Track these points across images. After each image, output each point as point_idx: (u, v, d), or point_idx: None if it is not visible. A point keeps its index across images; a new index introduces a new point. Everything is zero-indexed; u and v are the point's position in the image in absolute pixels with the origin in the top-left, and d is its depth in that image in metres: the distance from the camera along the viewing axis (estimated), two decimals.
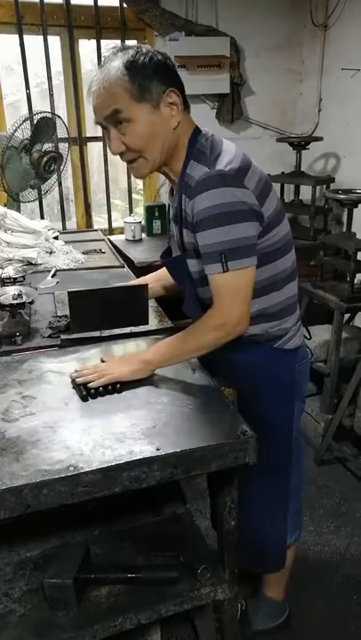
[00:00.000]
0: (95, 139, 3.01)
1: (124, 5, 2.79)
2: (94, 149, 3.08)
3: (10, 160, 2.29)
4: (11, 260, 2.02)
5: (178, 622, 1.40)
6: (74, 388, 1.17)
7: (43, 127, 2.35)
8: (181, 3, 2.90)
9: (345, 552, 1.98)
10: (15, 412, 1.08)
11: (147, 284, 1.43)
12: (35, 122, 2.32)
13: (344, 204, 2.44)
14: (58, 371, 1.26)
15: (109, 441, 0.98)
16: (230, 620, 1.20)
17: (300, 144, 2.99)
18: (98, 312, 1.39)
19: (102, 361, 1.25)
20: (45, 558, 1.14)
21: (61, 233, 2.53)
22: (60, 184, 2.78)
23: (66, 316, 1.50)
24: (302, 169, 3.05)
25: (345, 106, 3.00)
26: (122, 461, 0.92)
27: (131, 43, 2.88)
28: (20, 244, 2.10)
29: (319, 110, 3.22)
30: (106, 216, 3.16)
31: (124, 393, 1.15)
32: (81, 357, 1.33)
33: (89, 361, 1.30)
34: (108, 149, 2.95)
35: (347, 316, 2.66)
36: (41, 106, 2.75)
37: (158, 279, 1.52)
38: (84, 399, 1.12)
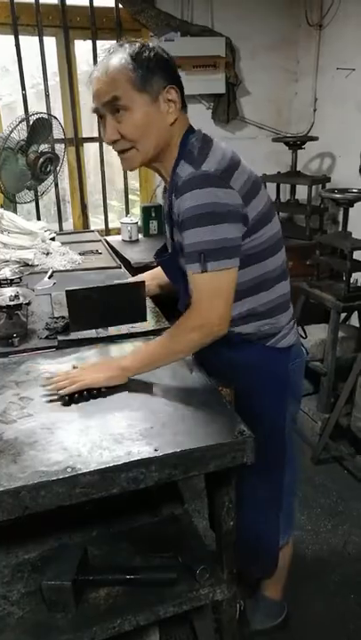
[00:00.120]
0: (91, 139, 3.01)
1: (120, 6, 2.79)
2: (90, 150, 3.07)
3: (6, 161, 2.28)
4: (7, 261, 2.01)
5: (176, 623, 1.40)
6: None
7: (39, 128, 2.35)
8: (177, 3, 2.90)
9: (342, 551, 1.99)
10: (12, 414, 1.08)
11: (144, 281, 1.43)
12: (31, 123, 2.31)
13: (340, 204, 2.45)
14: (55, 372, 1.25)
15: (107, 442, 0.98)
16: (229, 621, 1.20)
17: (295, 144, 2.99)
18: (96, 310, 1.39)
19: (74, 367, 1.23)
20: (43, 560, 1.14)
21: (58, 234, 2.53)
22: (56, 185, 2.78)
23: (63, 317, 1.50)
24: (298, 169, 3.06)
25: (340, 105, 3.01)
26: (120, 462, 0.92)
27: None
28: (17, 245, 2.10)
29: (315, 110, 3.23)
30: (102, 217, 3.15)
31: (120, 393, 1.15)
32: (79, 358, 1.33)
33: (86, 362, 1.30)
34: (104, 151, 2.96)
35: (343, 315, 2.67)
36: (37, 107, 2.75)
37: (153, 277, 1.53)
38: (65, 404, 1.11)
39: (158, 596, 1.06)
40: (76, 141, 2.93)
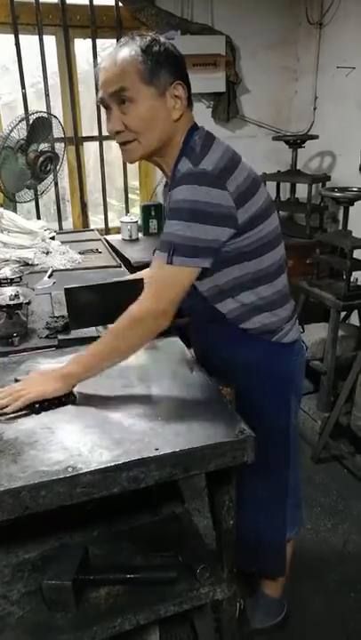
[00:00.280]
0: (91, 138, 3.00)
1: (120, 4, 2.78)
2: (90, 149, 3.07)
3: (6, 160, 2.28)
4: (7, 260, 2.01)
5: (177, 622, 1.40)
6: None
7: (39, 127, 2.35)
8: (177, 1, 2.90)
9: (343, 550, 1.99)
10: (6, 416, 1.07)
11: (142, 279, 1.43)
12: (31, 122, 2.31)
13: (340, 202, 2.45)
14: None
15: (107, 441, 0.98)
16: (229, 620, 1.20)
17: (295, 142, 2.99)
18: (95, 308, 1.40)
19: (16, 380, 1.18)
20: (44, 560, 1.14)
21: (58, 233, 2.53)
22: (56, 184, 2.78)
23: (63, 317, 1.50)
24: (298, 167, 3.05)
25: (340, 104, 3.01)
26: (120, 462, 0.92)
27: None
28: (17, 244, 2.10)
29: (315, 108, 3.23)
30: (102, 216, 3.15)
31: (120, 393, 1.15)
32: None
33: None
34: (104, 149, 2.96)
35: (343, 314, 2.67)
36: (37, 106, 2.74)
37: (150, 276, 1.53)
38: (35, 412, 1.08)
39: (159, 595, 1.06)
40: (76, 140, 2.93)
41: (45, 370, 1.21)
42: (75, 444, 0.97)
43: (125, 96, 1.11)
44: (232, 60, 3.05)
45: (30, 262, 2.05)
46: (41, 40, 2.69)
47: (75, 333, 1.45)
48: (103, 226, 3.14)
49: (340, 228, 2.51)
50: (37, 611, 1.03)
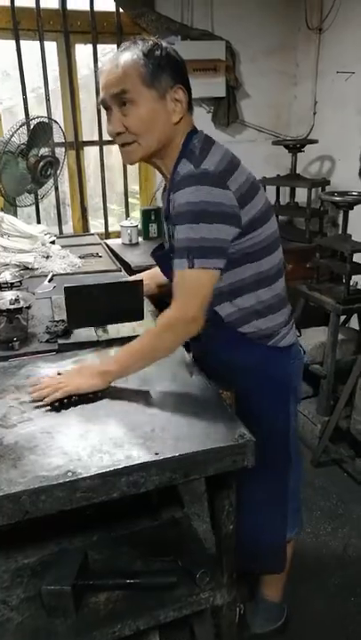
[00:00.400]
0: (92, 143, 3.01)
1: (120, 10, 2.80)
2: (91, 154, 3.08)
3: (6, 165, 2.29)
4: (7, 264, 2.02)
5: (176, 627, 1.40)
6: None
7: (39, 132, 2.36)
8: (177, 7, 2.91)
9: (343, 554, 1.99)
10: (13, 418, 1.08)
11: (142, 280, 1.45)
12: (31, 127, 2.32)
13: (340, 207, 2.45)
14: (55, 376, 1.25)
15: (107, 446, 0.98)
16: (229, 625, 1.20)
17: (295, 147, 3.00)
18: (94, 308, 1.40)
19: (59, 374, 1.22)
20: (43, 565, 1.14)
21: (58, 237, 2.53)
22: (56, 188, 2.78)
23: (63, 321, 1.50)
24: (298, 171, 3.06)
25: (340, 108, 3.02)
26: (120, 466, 0.92)
27: None
28: (17, 248, 2.10)
29: (314, 113, 3.24)
30: (102, 220, 3.16)
31: (120, 397, 1.15)
32: (78, 362, 1.33)
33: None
34: (104, 154, 2.97)
35: (343, 318, 2.67)
36: (37, 110, 2.75)
37: (152, 277, 1.55)
38: (56, 410, 1.10)
39: (158, 600, 1.06)
40: (77, 145, 2.94)
41: (83, 366, 1.25)
42: (74, 449, 0.97)
43: (126, 98, 1.12)
44: (232, 64, 3.06)
45: (30, 266, 2.05)
46: (42, 46, 2.70)
47: (75, 338, 1.45)
48: (103, 230, 3.15)
49: (340, 232, 2.52)
50: (37, 616, 1.03)
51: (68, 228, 3.12)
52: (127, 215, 3.19)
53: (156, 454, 0.95)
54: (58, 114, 2.84)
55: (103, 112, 1.22)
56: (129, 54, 1.12)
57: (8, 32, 2.64)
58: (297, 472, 1.44)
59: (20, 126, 2.34)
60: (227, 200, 1.11)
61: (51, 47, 2.79)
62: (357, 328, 2.72)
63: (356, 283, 2.44)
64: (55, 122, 2.49)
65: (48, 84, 2.77)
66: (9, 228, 2.13)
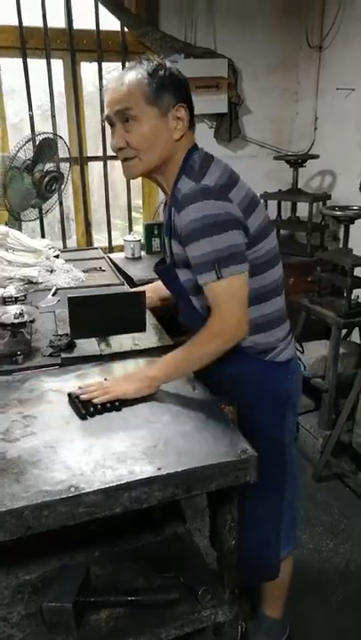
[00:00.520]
0: (96, 158, 3.05)
1: (125, 29, 2.85)
2: (95, 169, 3.12)
3: (12, 180, 2.32)
4: (12, 278, 2.03)
5: None
6: (72, 406, 1.18)
7: (45, 147, 2.39)
8: (180, 26, 2.97)
9: (345, 570, 1.97)
10: (16, 432, 1.09)
11: (144, 291, 1.47)
12: (37, 142, 2.36)
13: (340, 221, 2.47)
14: (59, 390, 1.26)
15: (110, 461, 0.98)
16: None
17: (296, 162, 3.03)
18: (97, 318, 1.42)
19: (105, 379, 1.26)
20: (44, 581, 1.14)
21: (62, 251, 2.56)
22: (60, 203, 2.81)
23: (67, 335, 1.51)
24: (299, 186, 3.09)
25: (340, 124, 3.06)
26: (123, 482, 0.92)
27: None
28: (21, 262, 2.12)
29: (315, 129, 3.28)
30: (105, 234, 3.18)
31: (124, 411, 1.16)
32: (82, 376, 1.34)
33: (89, 380, 1.31)
34: (108, 169, 3.00)
35: (344, 331, 2.67)
36: (43, 126, 2.80)
37: (154, 290, 1.57)
38: (82, 417, 1.13)
39: (160, 617, 1.05)
40: (81, 160, 2.97)
41: (132, 371, 1.32)
42: (77, 464, 0.98)
43: (130, 115, 1.16)
44: (234, 82, 3.11)
45: (34, 280, 2.07)
46: (48, 64, 2.75)
47: (78, 352, 1.46)
48: (107, 244, 3.17)
49: (341, 246, 2.54)
50: (38, 633, 1.03)
51: (72, 243, 3.15)
52: (130, 229, 3.22)
53: (159, 469, 0.95)
54: (63, 129, 2.88)
55: (107, 128, 1.25)
56: (133, 73, 1.16)
57: (16, 50, 2.69)
58: (292, 487, 1.44)
59: (26, 142, 2.38)
60: (232, 210, 1.14)
61: (57, 65, 2.84)
62: (359, 342, 2.72)
63: (358, 296, 2.45)
64: (60, 137, 2.53)
65: (54, 100, 2.82)
66: (14, 243, 2.16)
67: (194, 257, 1.15)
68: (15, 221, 2.45)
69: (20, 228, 2.44)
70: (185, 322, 1.37)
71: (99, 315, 1.41)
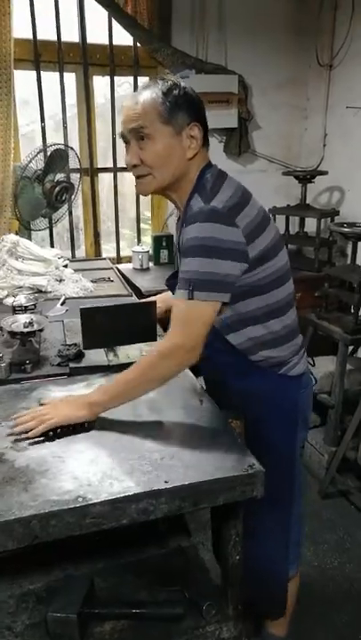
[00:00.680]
0: (106, 169, 3.08)
1: (138, 44, 2.90)
2: (105, 180, 3.15)
3: (23, 190, 2.36)
4: (21, 287, 2.05)
5: None
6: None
7: (56, 158, 2.43)
8: (192, 42, 3.01)
9: (350, 589, 1.95)
10: (24, 441, 1.09)
11: (155, 302, 1.48)
12: (48, 153, 2.39)
13: (348, 237, 2.49)
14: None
15: (117, 472, 0.98)
16: None
17: (305, 177, 3.05)
18: (108, 329, 1.43)
19: (41, 404, 1.21)
20: (49, 591, 1.13)
21: (71, 261, 2.58)
22: (70, 213, 2.84)
23: (75, 345, 1.52)
24: (307, 202, 3.11)
25: (349, 141, 3.08)
26: (130, 493, 0.92)
27: (144, 79, 2.99)
28: (31, 271, 2.14)
29: (324, 145, 3.30)
30: (113, 244, 3.21)
31: (132, 424, 1.16)
32: (89, 385, 1.34)
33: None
34: (117, 181, 3.04)
35: (351, 347, 2.67)
36: (54, 136, 2.83)
37: (163, 300, 1.58)
38: (49, 439, 1.09)
39: (164, 631, 1.04)
40: (91, 171, 3.01)
41: (70, 396, 1.23)
42: (85, 474, 0.98)
43: (144, 133, 1.18)
44: (244, 97, 3.15)
45: (44, 290, 2.08)
46: (61, 77, 2.80)
47: (86, 362, 1.47)
48: (115, 254, 3.19)
49: (349, 262, 2.54)
50: None
51: (81, 252, 3.17)
52: (139, 241, 3.24)
53: (166, 482, 0.95)
54: (74, 140, 2.92)
55: (118, 140, 1.27)
56: (149, 92, 1.18)
57: (29, 63, 2.74)
58: (299, 504, 1.43)
59: (38, 153, 2.42)
60: (234, 237, 1.13)
61: (70, 78, 2.88)
62: None
63: None
64: (71, 149, 2.56)
65: (66, 112, 2.86)
66: (23, 252, 2.17)
67: (181, 271, 1.16)
68: (25, 230, 2.48)
69: (29, 237, 2.47)
70: None
71: (110, 325, 1.42)
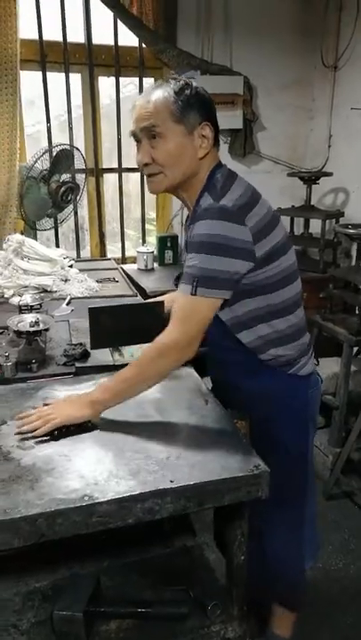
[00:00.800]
0: (111, 170, 3.09)
1: (143, 45, 2.90)
2: (110, 180, 3.16)
3: (29, 190, 2.37)
4: (26, 287, 2.06)
5: None
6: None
7: (61, 158, 2.44)
8: (197, 43, 3.02)
9: (355, 590, 1.94)
10: (31, 440, 1.09)
11: (163, 302, 1.48)
12: (54, 154, 2.40)
13: (353, 239, 2.48)
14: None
15: (123, 471, 0.99)
16: None
17: (310, 179, 3.05)
18: (116, 329, 1.43)
19: (45, 404, 1.21)
20: (54, 589, 1.14)
21: (76, 261, 2.58)
22: (75, 213, 2.85)
23: (81, 344, 1.52)
24: (312, 203, 3.11)
25: (354, 143, 3.08)
26: (136, 492, 0.93)
27: (149, 80, 2.99)
28: (37, 271, 2.15)
29: (329, 146, 3.30)
30: (119, 245, 3.21)
31: (136, 424, 1.16)
32: (95, 385, 1.34)
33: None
34: (122, 181, 3.04)
35: (356, 349, 2.66)
36: (60, 137, 2.84)
37: (170, 300, 1.58)
38: (54, 439, 1.10)
39: (170, 630, 1.05)
40: (97, 172, 3.01)
41: (72, 396, 1.24)
42: (91, 473, 0.98)
43: (156, 132, 1.18)
44: (249, 98, 3.15)
45: (49, 289, 2.09)
46: (67, 77, 2.81)
47: (92, 361, 1.47)
48: (120, 255, 3.20)
49: (354, 263, 2.54)
50: None
51: (86, 253, 3.18)
52: (143, 241, 3.25)
53: (172, 482, 0.95)
54: (79, 141, 2.92)
55: (123, 140, 1.27)
56: (160, 91, 1.18)
57: (35, 64, 2.75)
58: (312, 502, 1.43)
59: (44, 153, 2.43)
60: (241, 235, 1.14)
61: (75, 78, 2.89)
62: None
63: None
64: (77, 149, 2.57)
65: (71, 112, 2.87)
66: (29, 251, 2.18)
67: (186, 266, 1.16)
68: (31, 230, 2.49)
69: (35, 237, 2.47)
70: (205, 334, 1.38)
71: (118, 325, 1.42)
